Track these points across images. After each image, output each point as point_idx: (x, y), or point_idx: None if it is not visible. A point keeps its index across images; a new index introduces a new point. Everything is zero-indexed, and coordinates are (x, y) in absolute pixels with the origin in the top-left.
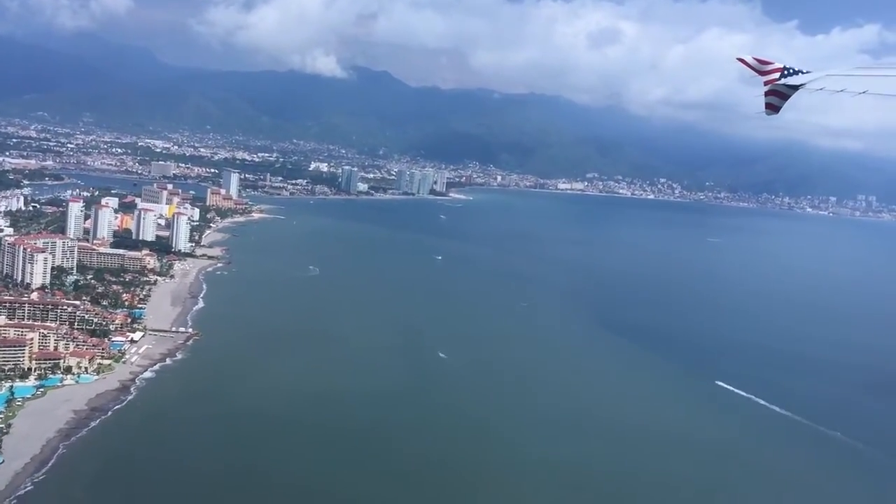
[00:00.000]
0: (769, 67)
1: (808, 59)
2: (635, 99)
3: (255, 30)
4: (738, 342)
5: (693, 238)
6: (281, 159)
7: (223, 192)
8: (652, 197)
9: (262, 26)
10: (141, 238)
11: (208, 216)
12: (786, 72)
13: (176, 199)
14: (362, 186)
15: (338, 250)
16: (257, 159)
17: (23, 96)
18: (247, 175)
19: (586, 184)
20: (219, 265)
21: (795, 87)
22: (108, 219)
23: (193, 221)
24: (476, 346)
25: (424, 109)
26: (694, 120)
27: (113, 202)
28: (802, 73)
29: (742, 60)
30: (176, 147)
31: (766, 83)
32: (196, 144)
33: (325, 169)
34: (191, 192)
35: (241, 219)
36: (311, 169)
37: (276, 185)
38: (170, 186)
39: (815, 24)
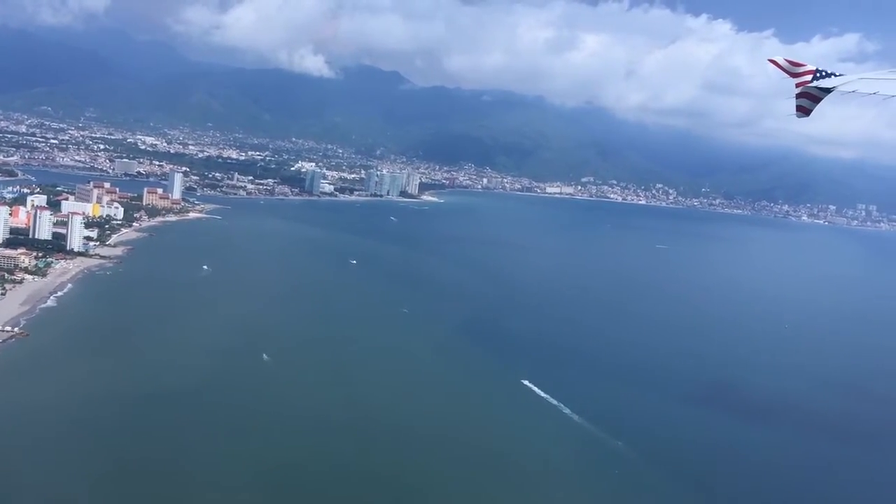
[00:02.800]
0: (801, 70)
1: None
2: (613, 105)
3: (231, 30)
4: (590, 348)
5: (642, 245)
6: (268, 158)
7: (160, 191)
8: (643, 202)
9: (238, 26)
10: (36, 236)
11: (136, 215)
12: (818, 74)
13: (106, 198)
14: (327, 187)
15: (249, 251)
16: (243, 157)
17: (31, 90)
18: (215, 174)
19: (578, 188)
20: (108, 265)
21: (828, 90)
22: (3, 216)
23: (116, 220)
24: (314, 350)
25: (430, 110)
26: (692, 126)
27: (40, 199)
28: (835, 75)
29: (774, 62)
30: (166, 144)
31: (797, 85)
32: (188, 142)
33: (309, 168)
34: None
35: (174, 218)
36: (293, 168)
37: (235, 184)
38: (107, 184)
39: (794, 33)
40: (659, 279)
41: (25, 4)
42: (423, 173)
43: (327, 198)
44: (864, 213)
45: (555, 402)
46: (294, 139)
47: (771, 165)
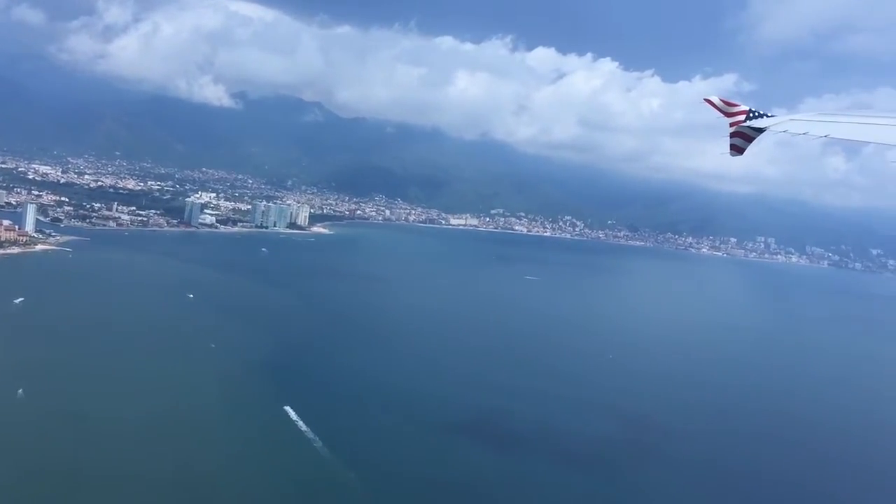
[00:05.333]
0: (735, 110)
1: (672, 103)
2: (504, 138)
3: (115, 59)
4: (378, 378)
5: (511, 276)
6: (167, 188)
7: (7, 222)
8: (548, 234)
9: (123, 56)
10: None
11: None
12: (751, 114)
13: None
14: (208, 219)
15: (80, 284)
16: (140, 188)
17: None
18: (94, 204)
19: (486, 219)
20: None
21: (760, 130)
22: None
23: None
24: (76, 385)
25: (346, 141)
26: (585, 160)
27: None
28: (767, 116)
29: (710, 101)
30: (61, 173)
31: (731, 125)
32: (87, 171)
33: (206, 199)
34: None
35: (16, 251)
36: (188, 199)
37: (107, 215)
38: None
39: (676, 72)
40: (502, 310)
41: None
42: (330, 204)
43: (207, 229)
44: (762, 246)
45: (306, 428)
46: (205, 169)
47: (678, 199)
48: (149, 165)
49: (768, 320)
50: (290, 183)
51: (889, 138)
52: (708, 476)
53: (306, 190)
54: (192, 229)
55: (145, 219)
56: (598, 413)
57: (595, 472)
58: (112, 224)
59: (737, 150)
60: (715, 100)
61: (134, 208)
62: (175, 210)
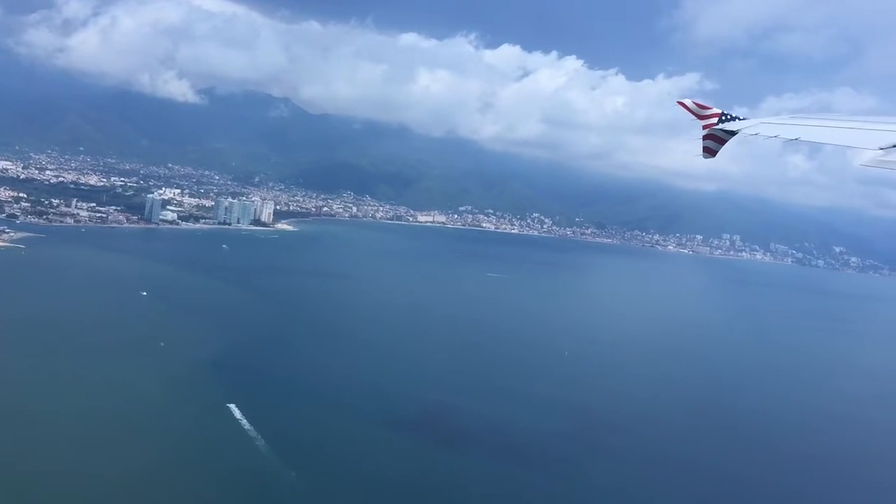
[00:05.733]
0: (708, 112)
1: (636, 101)
2: (470, 136)
3: (75, 53)
4: (328, 375)
5: (474, 274)
6: (130, 184)
7: None
8: (516, 231)
9: (83, 49)
10: None
11: None
12: (723, 117)
13: None
14: (169, 216)
15: (29, 283)
16: (102, 184)
17: None
18: (52, 200)
19: (454, 216)
20: None
21: (732, 133)
22: None
23: None
24: (19, 383)
25: (316, 137)
26: (550, 157)
27: None
28: (739, 119)
29: (683, 104)
30: (22, 169)
31: (704, 127)
32: (49, 166)
33: (170, 195)
34: None
35: None
36: (149, 196)
37: (65, 212)
38: None
39: (639, 71)
40: (461, 307)
41: None
42: (298, 201)
43: (168, 226)
44: (728, 243)
45: (249, 426)
46: (171, 165)
47: (645, 197)
48: (114, 161)
49: (724, 316)
50: (257, 179)
51: (855, 141)
52: (645, 467)
53: (273, 186)
54: (153, 226)
55: (104, 215)
56: (546, 408)
57: (535, 466)
58: (70, 221)
59: (710, 152)
60: (688, 103)
61: (94, 205)
62: (137, 206)
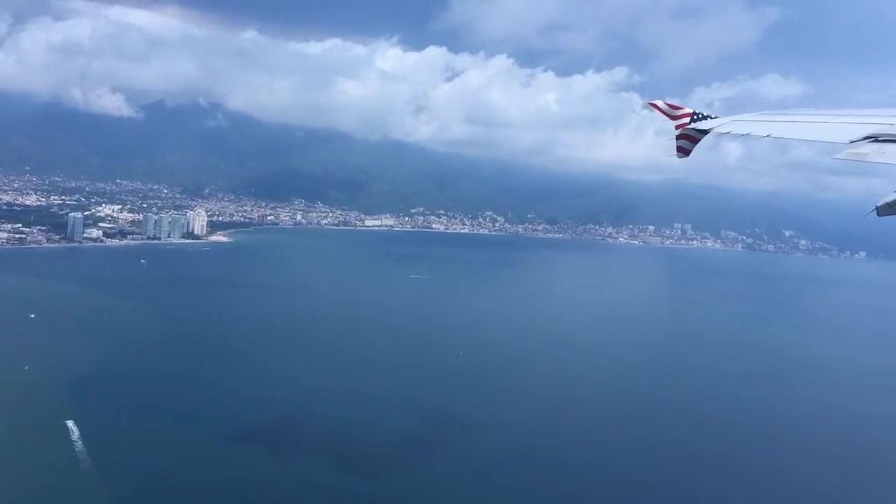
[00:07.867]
0: (680, 112)
1: (567, 97)
2: (404, 138)
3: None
4: (186, 387)
5: (397, 276)
6: (68, 202)
7: None
8: (466, 231)
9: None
10: None
11: None
12: (695, 116)
13: None
14: (95, 233)
15: None
16: (39, 203)
17: None
18: None
19: (405, 219)
20: None
21: (705, 132)
22: None
23: None
24: None
25: (267, 146)
26: (487, 155)
27: None
28: (711, 118)
29: (654, 105)
30: None
31: (676, 127)
32: None
33: (111, 212)
34: None
35: None
36: (92, 213)
37: None
38: None
39: (569, 69)
40: (368, 311)
41: None
42: (245, 211)
43: (91, 244)
44: (679, 232)
45: (78, 441)
46: (119, 181)
47: (599, 190)
48: (59, 179)
49: (653, 307)
50: (207, 191)
51: (826, 135)
52: (488, 465)
53: (223, 197)
54: (75, 244)
55: (24, 236)
56: (408, 411)
57: (373, 473)
58: None
59: (683, 151)
60: (660, 104)
61: (20, 225)
62: (65, 225)
